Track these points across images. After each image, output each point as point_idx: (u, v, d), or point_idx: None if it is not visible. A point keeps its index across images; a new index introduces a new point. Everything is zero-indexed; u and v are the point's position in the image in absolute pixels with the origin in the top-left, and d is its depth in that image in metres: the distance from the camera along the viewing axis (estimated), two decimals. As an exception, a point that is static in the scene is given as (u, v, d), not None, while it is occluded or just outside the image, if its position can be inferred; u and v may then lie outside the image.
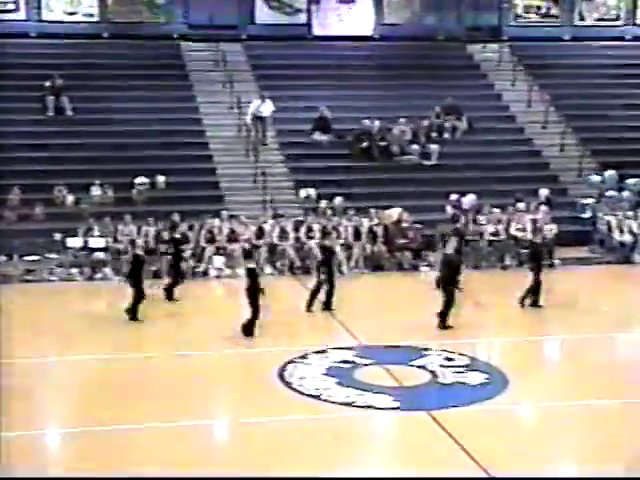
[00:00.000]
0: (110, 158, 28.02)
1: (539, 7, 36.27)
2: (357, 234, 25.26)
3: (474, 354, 17.77)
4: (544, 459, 12.91)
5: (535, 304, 20.73)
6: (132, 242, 22.47)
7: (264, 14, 34.24)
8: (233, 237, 24.93)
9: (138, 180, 26.95)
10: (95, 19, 33.31)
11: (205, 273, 24.26)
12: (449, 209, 26.79)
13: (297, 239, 25.08)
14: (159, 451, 13.14)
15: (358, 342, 18.27)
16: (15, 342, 17.31)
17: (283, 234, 25.03)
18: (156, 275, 23.13)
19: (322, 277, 20.32)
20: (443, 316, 18.87)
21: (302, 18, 34.56)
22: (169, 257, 22.90)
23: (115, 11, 33.43)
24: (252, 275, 18.45)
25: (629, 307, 22.00)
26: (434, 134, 30.37)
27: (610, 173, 29.13)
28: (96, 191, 26.57)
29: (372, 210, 25.94)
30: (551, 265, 23.99)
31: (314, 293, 20.59)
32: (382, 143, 29.46)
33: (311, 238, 24.92)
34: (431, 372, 16.33)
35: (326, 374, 16.16)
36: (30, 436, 13.65)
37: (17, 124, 28.78)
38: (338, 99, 31.09)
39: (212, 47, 32.76)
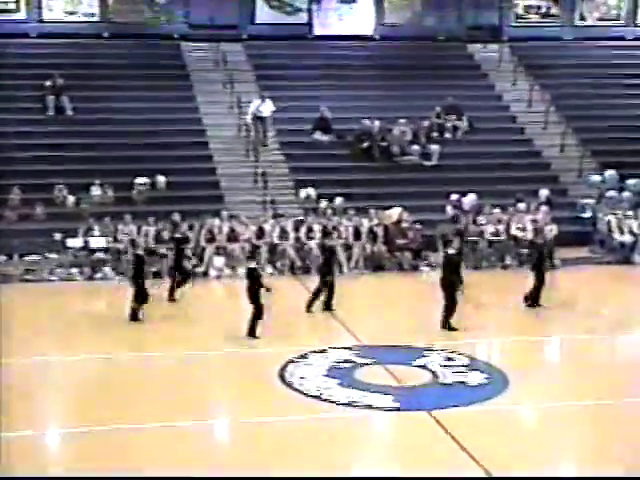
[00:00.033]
0: (110, 158, 28.00)
1: (539, 7, 36.26)
2: (357, 234, 25.25)
3: (474, 354, 17.78)
4: (544, 459, 12.91)
5: (535, 303, 20.77)
6: (133, 242, 22.47)
7: (264, 14, 34.23)
8: (233, 237, 24.93)
9: (138, 180, 26.94)
10: (95, 19, 33.31)
11: (205, 273, 24.24)
12: (449, 209, 26.79)
13: (297, 239, 25.07)
14: (159, 451, 13.14)
15: (358, 342, 18.27)
16: (15, 342, 17.32)
17: (283, 234, 25.03)
18: (156, 275, 23.11)
19: (329, 278, 20.33)
20: (446, 317, 18.90)
21: (303, 18, 34.55)
22: (170, 257, 22.92)
23: (115, 11, 33.43)
24: (253, 275, 18.45)
25: (629, 308, 22.01)
26: (435, 134, 30.36)
27: (610, 173, 29.12)
28: (96, 191, 26.56)
29: (372, 210, 25.92)
30: (552, 266, 23.97)
31: (316, 294, 20.58)
32: (382, 143, 29.45)
33: (311, 238, 24.92)
34: (431, 372, 16.33)
35: (327, 374, 16.16)
36: (30, 436, 13.64)
37: (17, 124, 28.76)
38: (339, 99, 31.08)
39: (212, 47, 32.75)
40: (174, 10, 33.62)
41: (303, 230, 25.15)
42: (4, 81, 29.47)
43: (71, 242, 24.37)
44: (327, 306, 20.50)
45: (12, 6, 32.52)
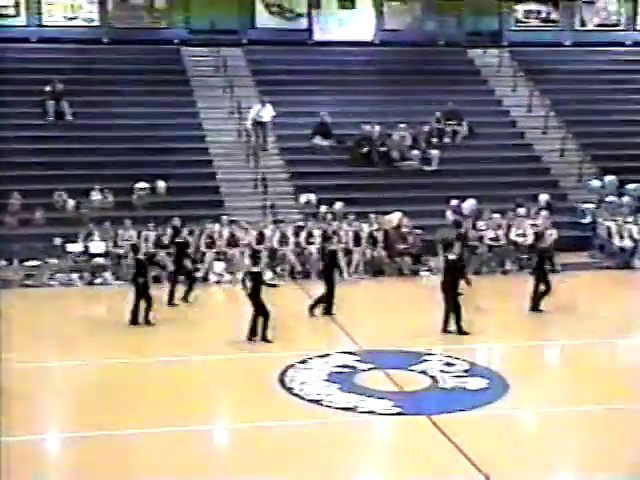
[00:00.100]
0: (110, 163, 28.04)
1: (539, 12, 36.29)
2: (357, 239, 25.26)
3: (474, 359, 17.76)
4: (544, 464, 12.89)
5: (535, 307, 20.81)
6: (134, 247, 22.45)
7: (264, 19, 34.30)
8: (233, 242, 24.93)
9: (138, 185, 26.96)
10: (95, 24, 33.35)
11: (205, 278, 24.23)
12: (449, 214, 26.79)
13: (297, 244, 25.08)
14: (159, 456, 13.12)
15: (358, 347, 18.25)
16: (15, 347, 17.28)
17: (283, 239, 25.04)
18: (156, 280, 23.07)
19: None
20: (459, 323, 18.94)
21: (303, 23, 34.61)
22: (170, 262, 22.93)
23: (115, 16, 33.46)
24: (256, 280, 18.43)
25: (629, 312, 22.01)
26: (434, 139, 30.39)
27: (610, 178, 29.14)
28: (96, 196, 26.58)
29: (372, 215, 25.94)
30: (553, 270, 23.94)
31: (320, 300, 20.57)
32: (382, 148, 29.48)
33: (311, 243, 24.94)
34: (431, 377, 16.30)
35: (327, 379, 16.14)
36: (30, 441, 13.63)
37: (17, 129, 28.81)
38: (338, 104, 31.11)
39: (212, 52, 32.79)
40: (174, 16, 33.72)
41: (303, 235, 25.16)
42: (4, 86, 29.49)
43: (71, 247, 24.39)
44: (327, 311, 20.50)
45: (12, 11, 32.57)
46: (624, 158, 30.16)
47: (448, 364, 17.02)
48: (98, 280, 24.05)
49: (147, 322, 19.68)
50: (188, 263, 22.40)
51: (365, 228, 25.53)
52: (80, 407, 15.23)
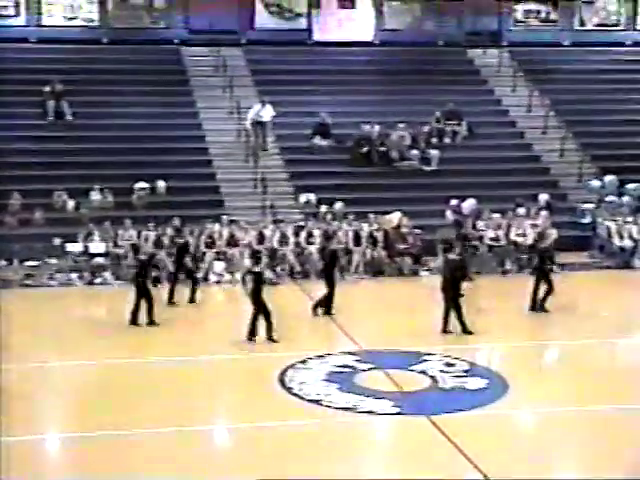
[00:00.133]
0: (110, 163, 28.04)
1: (539, 12, 36.30)
2: (357, 239, 25.25)
3: (474, 359, 17.76)
4: (544, 464, 12.89)
5: (534, 307, 20.83)
6: (134, 247, 22.47)
7: (264, 19, 34.30)
8: (233, 242, 24.93)
9: (138, 185, 26.95)
10: (95, 24, 33.37)
11: (205, 278, 24.22)
12: (449, 214, 26.77)
13: (297, 244, 25.08)
14: (159, 456, 13.12)
15: (358, 347, 18.26)
16: (15, 347, 17.29)
17: (283, 239, 25.03)
18: (156, 280, 23.04)
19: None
20: (462, 323, 18.96)
21: (302, 23, 34.62)
22: (169, 262, 22.94)
23: (115, 16, 33.46)
24: (258, 280, 18.43)
25: (629, 312, 22.00)
26: (434, 139, 30.39)
27: (610, 178, 29.13)
28: (96, 196, 26.58)
29: (372, 215, 25.93)
30: (551, 270, 23.93)
31: (324, 300, 20.58)
32: (382, 148, 29.49)
33: (311, 243, 24.94)
34: (431, 377, 16.31)
35: (326, 379, 16.14)
36: (30, 441, 13.63)
37: (17, 129, 28.81)
38: (338, 104, 31.11)
39: (212, 52, 32.79)
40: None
41: (303, 235, 25.16)
42: (4, 86, 29.49)
43: (71, 247, 24.38)
44: (327, 311, 20.50)
45: (12, 11, 32.57)
46: (624, 158, 30.16)
47: (448, 364, 17.02)
48: (98, 280, 24.05)
49: (151, 322, 19.63)
50: (189, 263, 22.41)
51: (365, 228, 25.51)
52: (80, 407, 15.24)
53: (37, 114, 29.70)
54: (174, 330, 19.69)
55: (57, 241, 24.45)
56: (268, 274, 23.58)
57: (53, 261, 24.21)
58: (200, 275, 23.82)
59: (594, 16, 36.60)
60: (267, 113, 29.36)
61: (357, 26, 34.82)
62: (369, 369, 16.78)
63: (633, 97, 33.34)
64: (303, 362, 17.07)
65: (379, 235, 25.46)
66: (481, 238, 25.64)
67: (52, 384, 16.41)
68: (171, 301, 21.63)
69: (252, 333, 18.37)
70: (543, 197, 27.72)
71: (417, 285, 24.49)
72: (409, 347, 18.06)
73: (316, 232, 25.13)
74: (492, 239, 25.69)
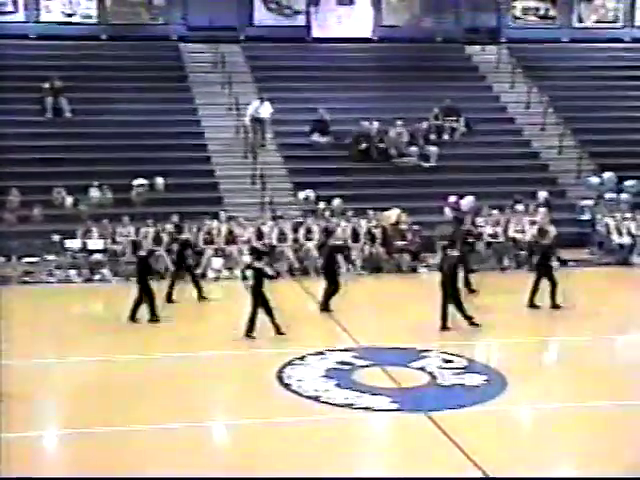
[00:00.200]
0: (109, 160, 28.02)
1: (537, 9, 36.29)
2: (355, 236, 25.25)
3: (473, 356, 17.79)
4: (542, 461, 12.90)
5: (532, 304, 20.86)
6: (135, 244, 22.44)
7: (263, 16, 34.28)
8: (232, 239, 24.93)
9: (137, 182, 26.93)
10: (94, 21, 33.35)
11: (203, 275, 24.22)
12: (448, 211, 26.76)
13: (296, 240, 25.08)
14: (158, 453, 13.14)
15: (357, 344, 18.26)
16: (14, 344, 17.26)
17: (282, 235, 25.03)
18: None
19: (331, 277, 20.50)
20: (466, 316, 19.01)
21: (301, 20, 34.60)
22: (169, 260, 22.94)
23: (114, 12, 33.44)
24: (259, 276, 18.44)
25: (628, 309, 21.99)
26: (433, 136, 30.40)
27: (609, 175, 29.12)
28: (95, 193, 26.57)
29: (370, 212, 25.93)
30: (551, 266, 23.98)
31: (332, 293, 20.61)
32: (381, 145, 29.49)
33: (310, 240, 24.94)
34: (430, 374, 16.33)
35: (325, 376, 16.16)
36: (29, 438, 13.64)
37: (16, 125, 28.80)
38: (337, 101, 31.10)
39: (211, 49, 32.76)
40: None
41: (302, 232, 25.16)
42: (2, 83, 29.48)
43: (69, 244, 24.36)
44: (325, 307, 20.52)
45: (11, 7, 32.55)
46: (623, 154, 30.11)
47: (446, 361, 17.04)
48: (96, 277, 24.04)
49: (153, 318, 19.62)
50: (191, 260, 22.41)
51: (363, 224, 25.52)
52: (79, 403, 15.23)
53: (36, 111, 29.68)
54: (172, 327, 19.66)
55: (56, 238, 24.43)
56: (269, 270, 23.72)
57: (52, 258, 24.19)
58: (198, 272, 23.84)
59: (593, 13, 36.59)
60: (266, 110, 29.35)
61: (356, 23, 34.83)
62: (368, 365, 16.79)
63: (632, 94, 33.32)
64: (301, 359, 17.09)
65: (377, 232, 25.46)
66: (480, 235, 25.62)
67: (51, 381, 16.40)
68: (170, 299, 21.56)
69: (250, 330, 18.38)
70: (542, 194, 27.70)
71: (416, 282, 24.50)
72: (408, 344, 18.07)
73: (315, 228, 25.13)
74: (491, 235, 25.70)
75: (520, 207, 26.68)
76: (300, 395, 15.31)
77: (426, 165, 29.47)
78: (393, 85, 32.33)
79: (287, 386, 15.72)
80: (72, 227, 24.84)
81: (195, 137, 29.61)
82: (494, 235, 25.72)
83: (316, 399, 15.07)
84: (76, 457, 13.29)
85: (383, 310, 21.27)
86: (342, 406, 14.75)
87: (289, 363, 16.78)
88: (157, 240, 23.98)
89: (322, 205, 26.50)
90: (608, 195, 28.33)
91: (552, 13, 36.46)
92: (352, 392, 15.29)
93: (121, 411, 14.51)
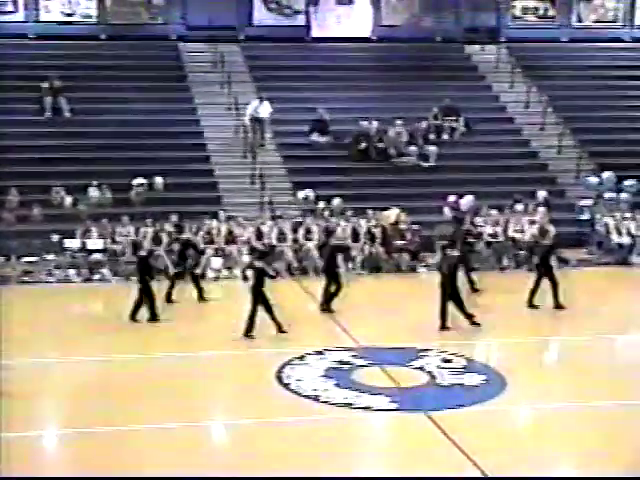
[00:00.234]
0: (108, 159, 28.00)
1: (537, 8, 36.30)
2: (355, 235, 25.24)
3: (472, 355, 17.80)
4: (542, 461, 12.91)
5: (531, 303, 20.87)
6: (135, 244, 22.41)
7: (262, 15, 34.28)
8: (231, 238, 24.93)
9: (136, 181, 26.92)
10: (93, 20, 33.35)
11: (203, 275, 24.19)
12: (447, 211, 26.76)
13: (295, 240, 25.07)
14: (158, 452, 13.15)
15: (356, 343, 18.26)
16: (13, 343, 17.26)
17: (281, 235, 25.03)
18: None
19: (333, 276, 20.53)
20: (467, 315, 19.00)
21: (300, 20, 34.58)
22: (169, 260, 22.95)
23: (113, 12, 33.44)
24: (260, 276, 18.44)
25: (628, 309, 22.00)
26: (432, 135, 30.39)
27: (608, 175, 29.11)
28: (94, 192, 26.56)
29: (370, 211, 25.93)
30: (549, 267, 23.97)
31: (332, 295, 20.61)
32: (380, 144, 29.48)
33: (310, 239, 24.94)
34: (429, 373, 16.33)
35: (324, 375, 16.16)
36: (29, 437, 13.64)
37: (15, 125, 28.77)
38: (336, 100, 31.10)
39: (210, 48, 32.76)
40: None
41: (301, 231, 25.15)
42: (2, 82, 29.48)
43: (69, 243, 24.36)
44: (327, 308, 20.52)
45: (10, 7, 32.54)
46: (622, 154, 30.12)
47: (446, 360, 17.05)
48: (96, 276, 24.04)
49: (153, 318, 19.63)
50: (192, 260, 22.39)
51: (363, 224, 25.51)
52: (79, 403, 15.22)
53: (35, 110, 29.66)
54: (172, 327, 19.65)
55: (55, 237, 24.43)
56: (269, 269, 23.71)
57: (51, 257, 24.18)
58: (198, 271, 23.82)
59: (592, 13, 36.59)
60: (265, 109, 29.34)
61: (355, 22, 34.83)
62: (367, 365, 16.80)
63: (631, 93, 33.33)
64: (301, 358, 17.09)
65: (377, 231, 25.46)
66: (479, 234, 25.62)
67: (51, 380, 16.39)
68: (169, 299, 21.54)
69: (250, 329, 18.39)
70: (541, 193, 27.68)
71: (415, 281, 24.50)
72: (407, 343, 18.07)
73: (314, 228, 25.13)
74: (490, 235, 25.70)
75: (519, 207, 26.69)
76: (299, 395, 15.31)
77: (425, 165, 29.47)
78: (392, 85, 32.33)
79: (286, 386, 15.72)
80: (71, 227, 24.84)
81: (194, 137, 29.60)
82: (493, 235, 25.72)
83: (315, 399, 15.08)
84: (76, 457, 13.31)
85: (382, 310, 21.25)
86: (341, 406, 14.76)
87: (288, 363, 16.79)
88: (156, 240, 23.95)
89: (321, 205, 26.49)
90: (607, 195, 28.32)
91: (551, 13, 36.46)
92: (351, 392, 15.30)
93: (121, 411, 14.52)
